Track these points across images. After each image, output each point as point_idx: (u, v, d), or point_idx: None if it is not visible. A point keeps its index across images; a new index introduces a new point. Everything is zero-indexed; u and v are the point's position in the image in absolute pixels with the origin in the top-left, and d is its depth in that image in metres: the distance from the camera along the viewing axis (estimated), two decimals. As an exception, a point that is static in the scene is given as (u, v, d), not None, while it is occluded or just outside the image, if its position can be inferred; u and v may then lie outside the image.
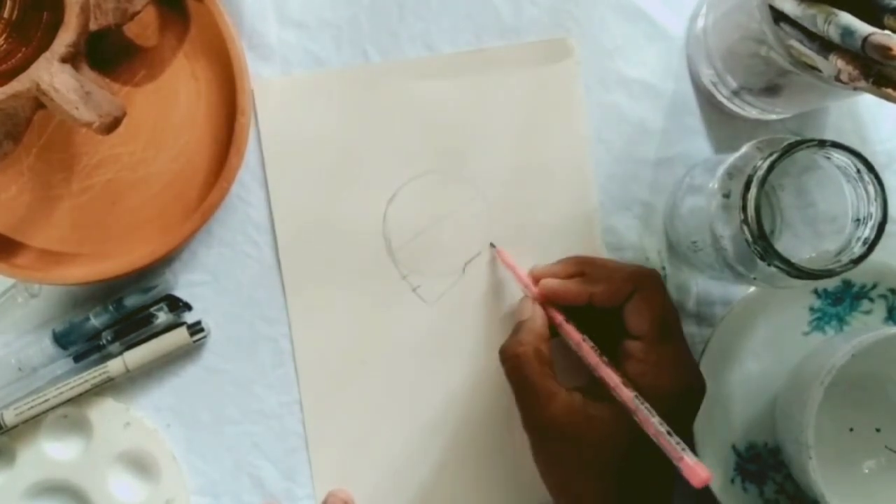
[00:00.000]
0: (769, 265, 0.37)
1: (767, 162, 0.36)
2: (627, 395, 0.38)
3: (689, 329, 0.47)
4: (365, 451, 0.47)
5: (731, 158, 0.40)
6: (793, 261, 0.36)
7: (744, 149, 0.40)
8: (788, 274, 0.37)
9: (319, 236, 0.47)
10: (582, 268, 0.44)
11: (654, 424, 0.36)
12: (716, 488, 0.45)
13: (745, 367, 0.46)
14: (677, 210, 0.46)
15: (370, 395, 0.47)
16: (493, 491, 0.47)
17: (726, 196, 0.39)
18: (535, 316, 0.43)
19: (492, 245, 0.47)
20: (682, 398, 0.40)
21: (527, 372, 0.41)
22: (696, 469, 0.34)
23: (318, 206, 0.47)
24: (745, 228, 0.37)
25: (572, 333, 0.41)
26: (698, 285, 0.48)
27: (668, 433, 0.36)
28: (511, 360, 0.42)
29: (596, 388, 0.40)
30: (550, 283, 0.43)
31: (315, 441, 0.47)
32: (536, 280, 0.44)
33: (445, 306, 0.47)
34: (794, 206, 0.44)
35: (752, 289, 0.45)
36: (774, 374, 0.46)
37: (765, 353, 0.46)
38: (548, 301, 0.43)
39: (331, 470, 0.47)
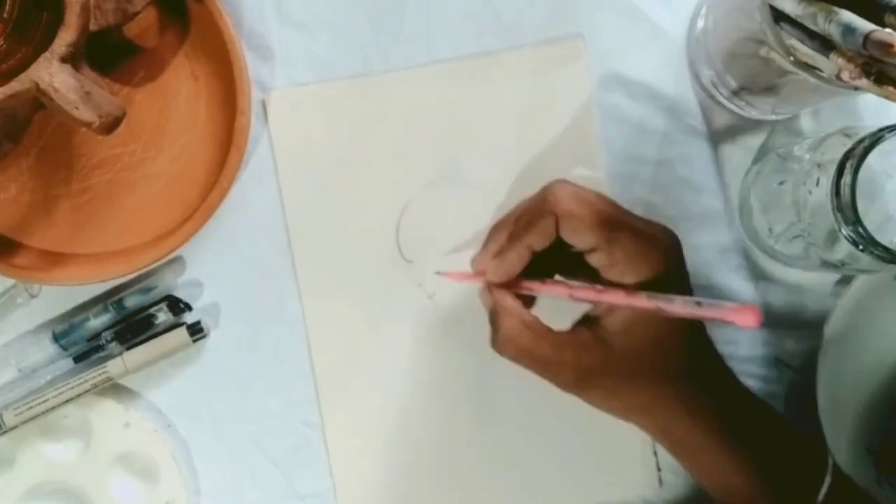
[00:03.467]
0: (863, 251, 0.37)
1: (861, 147, 0.36)
2: (642, 300, 0.36)
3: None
4: (382, 454, 0.48)
5: (816, 145, 0.40)
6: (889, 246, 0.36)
7: (829, 136, 0.40)
8: (883, 259, 0.37)
9: (335, 246, 0.47)
10: (505, 230, 0.41)
11: (682, 306, 0.34)
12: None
13: (860, 364, 0.46)
14: (751, 202, 0.46)
15: (387, 401, 0.48)
16: (505, 486, 0.48)
17: (815, 184, 0.39)
18: (500, 297, 0.41)
19: (437, 273, 0.46)
20: (668, 267, 0.38)
21: (527, 346, 0.39)
22: (743, 311, 0.32)
23: (332, 216, 0.47)
24: (839, 215, 0.37)
25: (556, 289, 0.40)
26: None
27: (698, 304, 0.34)
28: (509, 347, 0.40)
29: (585, 318, 0.40)
30: (493, 266, 0.41)
31: (334, 447, 0.48)
32: (483, 275, 0.42)
33: (461, 312, 0.47)
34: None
35: (852, 285, 0.45)
36: (887, 363, 0.46)
37: (875, 344, 0.46)
38: (506, 282, 0.41)
39: (349, 471, 0.48)
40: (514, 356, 0.40)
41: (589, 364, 0.38)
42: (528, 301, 0.42)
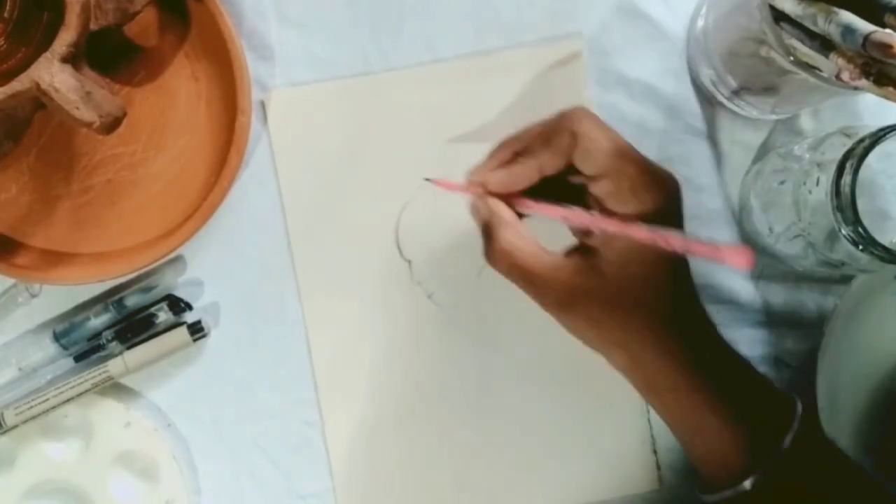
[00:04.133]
0: (862, 251, 0.37)
1: (861, 147, 0.36)
2: (639, 230, 0.36)
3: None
4: (382, 454, 0.48)
5: (816, 145, 0.40)
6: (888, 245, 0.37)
7: (829, 136, 0.40)
8: (883, 259, 0.37)
9: (334, 245, 0.47)
10: (511, 148, 0.41)
11: (679, 240, 0.35)
12: None
13: (860, 364, 0.46)
14: (751, 202, 0.46)
15: (387, 401, 0.48)
16: (505, 485, 0.48)
17: (815, 183, 0.39)
18: (495, 209, 0.40)
19: (427, 180, 0.43)
20: (669, 205, 0.38)
21: (523, 260, 0.39)
22: (738, 252, 0.33)
23: (332, 215, 0.47)
24: (839, 215, 0.37)
25: (552, 210, 0.39)
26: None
27: (695, 241, 0.34)
28: (503, 259, 0.39)
29: (586, 244, 0.39)
30: (498, 176, 0.40)
31: (334, 447, 0.48)
32: (482, 185, 0.41)
33: (461, 311, 0.48)
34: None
35: (851, 285, 0.46)
36: (887, 363, 0.46)
37: (875, 344, 0.47)
38: (503, 196, 0.41)
39: (349, 471, 0.48)
40: (507, 270, 0.39)
41: (579, 288, 0.38)
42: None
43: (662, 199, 0.38)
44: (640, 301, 0.38)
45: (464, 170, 0.47)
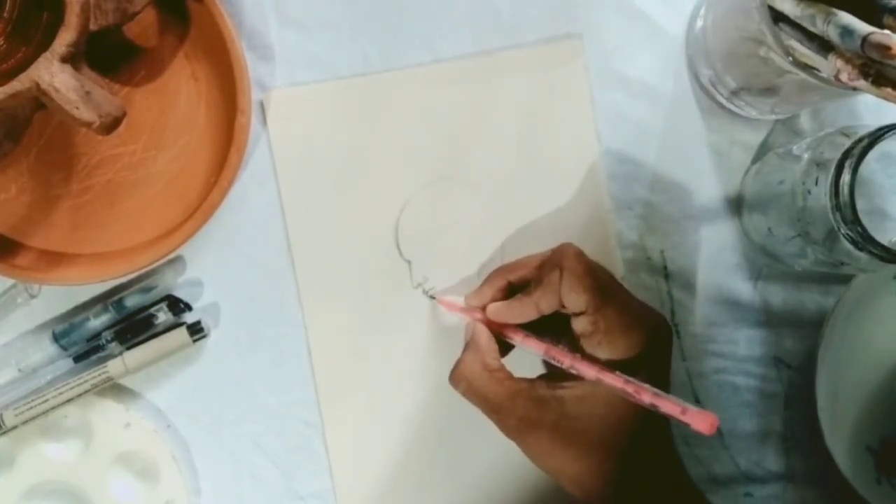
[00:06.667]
0: (861, 250, 0.37)
1: (860, 147, 0.36)
2: (613, 378, 0.37)
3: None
4: (382, 454, 0.48)
5: (815, 145, 0.40)
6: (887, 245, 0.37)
7: (828, 136, 0.40)
8: (882, 258, 0.37)
9: (334, 246, 0.47)
10: (506, 277, 0.43)
11: (649, 395, 0.36)
12: (866, 494, 0.45)
13: (860, 364, 0.47)
14: (750, 202, 0.46)
15: (387, 401, 0.48)
16: (505, 485, 0.48)
17: (814, 183, 0.39)
18: (477, 334, 0.43)
19: (432, 297, 0.47)
20: (647, 350, 0.39)
21: (479, 386, 0.40)
22: (702, 416, 0.34)
23: (331, 215, 0.47)
24: (838, 215, 0.37)
25: (536, 345, 0.41)
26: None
27: (663, 397, 0.36)
28: (461, 382, 0.41)
29: (557, 371, 0.40)
30: (496, 308, 0.43)
31: (334, 447, 0.48)
32: (480, 310, 0.44)
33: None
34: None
35: (851, 285, 0.46)
36: (887, 363, 0.46)
37: (875, 344, 0.47)
38: (493, 323, 0.43)
39: (349, 471, 0.48)
40: (464, 392, 0.41)
41: (536, 418, 0.39)
42: (505, 345, 0.43)
43: (640, 345, 0.39)
44: (600, 441, 0.38)
45: (462, 171, 0.47)
